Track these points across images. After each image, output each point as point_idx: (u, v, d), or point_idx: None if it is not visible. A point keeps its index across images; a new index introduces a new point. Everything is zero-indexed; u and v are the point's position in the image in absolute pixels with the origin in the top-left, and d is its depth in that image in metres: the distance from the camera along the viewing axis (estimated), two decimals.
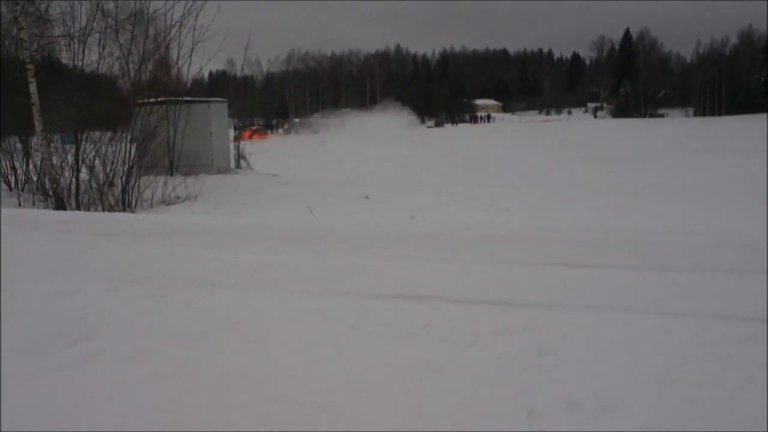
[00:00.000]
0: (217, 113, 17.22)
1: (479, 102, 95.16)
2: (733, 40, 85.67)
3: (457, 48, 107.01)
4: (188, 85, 17.22)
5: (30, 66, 11.51)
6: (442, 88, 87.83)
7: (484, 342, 2.68)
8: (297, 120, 67.72)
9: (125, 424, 2.06)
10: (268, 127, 65.32)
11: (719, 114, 77.29)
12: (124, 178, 12.00)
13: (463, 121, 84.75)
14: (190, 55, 15.05)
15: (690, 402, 2.15)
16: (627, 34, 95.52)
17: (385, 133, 29.69)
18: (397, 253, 5.19)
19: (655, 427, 2.03)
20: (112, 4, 13.12)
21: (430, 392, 2.26)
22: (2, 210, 7.93)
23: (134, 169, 12.15)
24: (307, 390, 2.28)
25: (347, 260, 4.60)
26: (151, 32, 13.86)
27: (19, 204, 11.96)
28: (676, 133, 42.16)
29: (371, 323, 2.93)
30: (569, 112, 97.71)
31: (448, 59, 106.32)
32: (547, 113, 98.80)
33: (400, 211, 10.73)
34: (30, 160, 13.37)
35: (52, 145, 12.08)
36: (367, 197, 12.77)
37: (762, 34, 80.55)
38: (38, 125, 11.66)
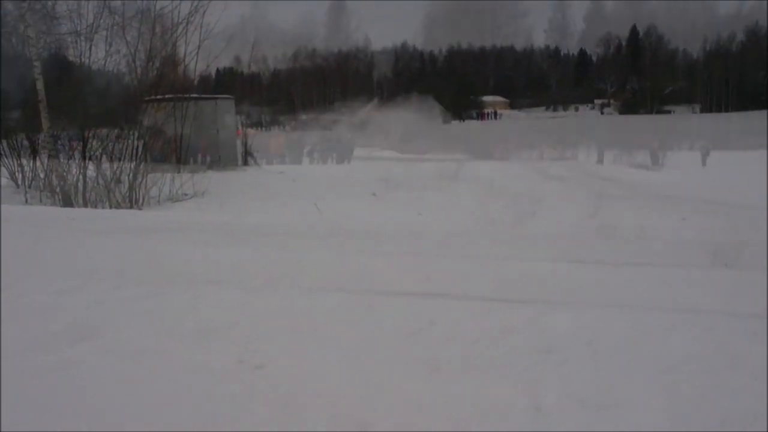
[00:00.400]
0: (223, 110, 17.21)
1: (486, 98, 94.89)
2: (740, 36, 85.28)
3: (464, 45, 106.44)
4: (195, 82, 17.20)
5: (37, 63, 11.52)
6: (449, 85, 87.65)
7: (490, 339, 2.67)
8: (304, 117, 67.41)
9: (128, 421, 2.06)
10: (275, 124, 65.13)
11: (726, 110, 76.95)
12: (131, 175, 11.99)
13: (470, 117, 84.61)
14: (197, 53, 15.03)
15: (694, 400, 2.14)
16: (634, 30, 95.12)
17: (404, 129, 29.14)
18: (402, 250, 5.19)
19: (660, 423, 2.02)
20: (118, 2, 13.12)
21: (435, 389, 2.25)
22: (10, 207, 7.95)
23: (141, 166, 12.14)
24: (311, 388, 2.27)
25: (353, 257, 4.60)
26: (158, 30, 13.85)
27: (26, 201, 11.97)
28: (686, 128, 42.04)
29: (376, 320, 2.92)
30: (576, 109, 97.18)
31: (454, 56, 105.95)
32: (554, 109, 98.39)
33: (407, 208, 10.70)
34: (37, 158, 13.38)
35: (59, 142, 12.09)
36: (374, 194, 12.74)
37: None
38: (45, 122, 11.67)
